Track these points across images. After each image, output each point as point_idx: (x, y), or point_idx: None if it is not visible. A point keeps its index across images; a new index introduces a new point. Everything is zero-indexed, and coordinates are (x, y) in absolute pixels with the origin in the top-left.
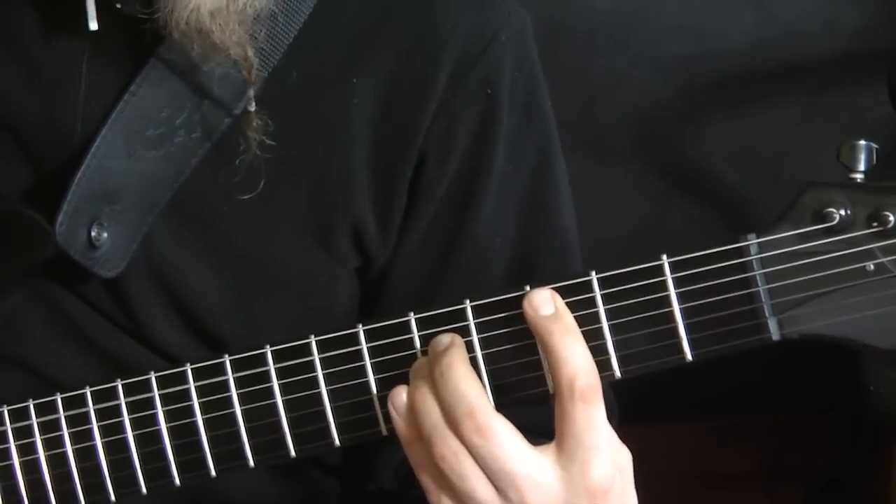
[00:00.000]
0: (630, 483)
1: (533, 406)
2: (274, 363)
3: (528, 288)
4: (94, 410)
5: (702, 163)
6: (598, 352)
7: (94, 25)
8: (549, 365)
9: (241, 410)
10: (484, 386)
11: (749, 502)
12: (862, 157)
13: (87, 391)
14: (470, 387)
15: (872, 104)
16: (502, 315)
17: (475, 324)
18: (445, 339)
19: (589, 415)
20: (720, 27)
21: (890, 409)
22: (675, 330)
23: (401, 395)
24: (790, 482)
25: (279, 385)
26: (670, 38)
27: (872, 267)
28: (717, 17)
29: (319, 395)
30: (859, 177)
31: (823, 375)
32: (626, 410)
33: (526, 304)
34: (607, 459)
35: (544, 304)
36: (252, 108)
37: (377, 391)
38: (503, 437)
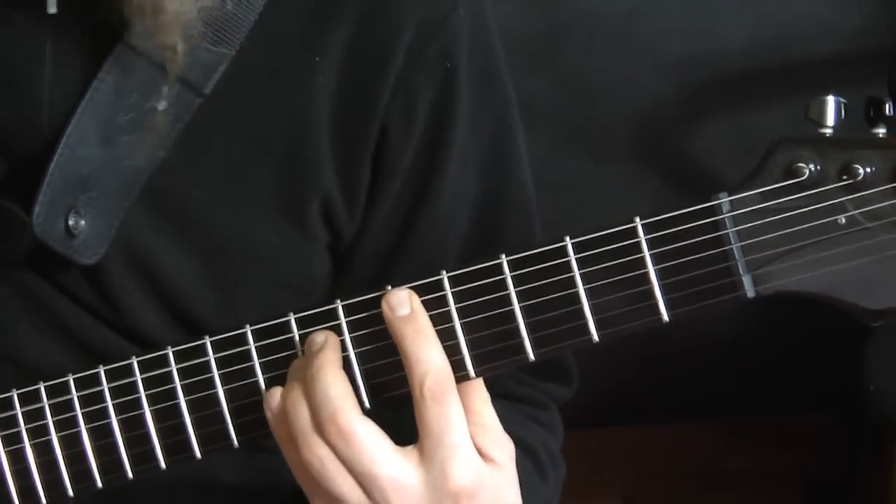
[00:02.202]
0: (505, 476)
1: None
2: (254, 342)
3: (503, 257)
4: (78, 397)
5: (701, 163)
6: (575, 317)
7: (52, 9)
8: (404, 367)
9: (224, 390)
10: (462, 356)
11: (749, 502)
12: (831, 112)
13: (70, 378)
14: (336, 390)
15: None
16: (479, 283)
17: (451, 293)
18: (319, 338)
19: (443, 414)
20: (720, 27)
21: (890, 409)
22: (650, 291)
23: (275, 396)
24: (790, 482)
25: (260, 364)
26: (670, 38)
27: (844, 220)
28: (717, 17)
29: None
30: (828, 132)
31: (823, 375)
32: (626, 410)
33: (384, 303)
34: (468, 458)
35: (401, 305)
36: (162, 107)
37: (358, 365)
38: (365, 441)
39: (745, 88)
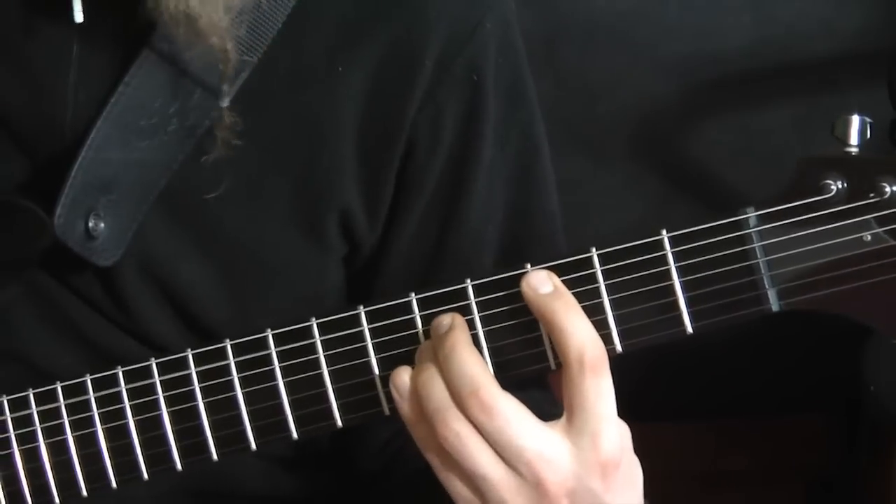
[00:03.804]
0: (632, 454)
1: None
2: (275, 346)
3: (528, 265)
4: (95, 398)
5: (701, 162)
6: (599, 327)
7: (79, 18)
8: (555, 342)
9: (243, 394)
10: (486, 363)
11: (749, 502)
12: (856, 131)
13: (88, 379)
14: (475, 366)
15: (872, 104)
16: (503, 293)
17: (476, 302)
18: (446, 319)
19: (598, 386)
20: (720, 27)
21: (890, 409)
22: (675, 303)
23: (402, 376)
24: (790, 482)
25: (280, 368)
26: (670, 38)
27: (869, 237)
28: (717, 17)
29: (321, 376)
30: (854, 150)
31: (823, 375)
32: (626, 411)
33: (524, 285)
34: (616, 431)
35: (543, 283)
36: (225, 104)
37: (379, 372)
38: (509, 414)
39: (745, 88)
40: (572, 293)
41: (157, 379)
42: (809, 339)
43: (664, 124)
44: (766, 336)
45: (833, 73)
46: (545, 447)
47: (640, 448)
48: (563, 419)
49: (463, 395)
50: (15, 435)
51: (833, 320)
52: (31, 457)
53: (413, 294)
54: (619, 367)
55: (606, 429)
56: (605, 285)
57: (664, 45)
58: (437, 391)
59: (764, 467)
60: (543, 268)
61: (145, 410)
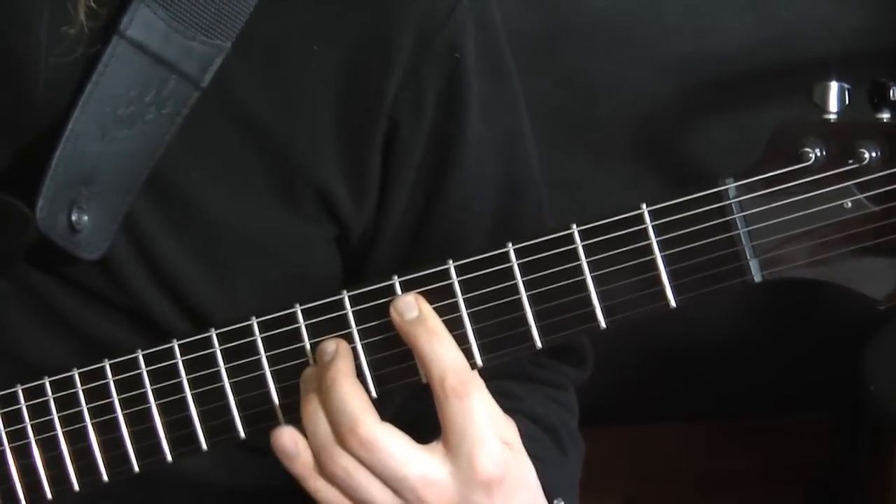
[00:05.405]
0: (522, 455)
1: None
2: (260, 333)
3: (510, 245)
4: (83, 391)
5: (702, 162)
6: (582, 304)
7: None
8: (419, 367)
9: (230, 383)
10: (469, 345)
11: (748, 502)
12: (834, 98)
13: (75, 373)
14: (353, 401)
15: None
16: (486, 272)
17: (458, 282)
18: (330, 347)
19: (465, 408)
20: (720, 27)
21: (890, 409)
22: (657, 277)
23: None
24: (790, 482)
25: (267, 356)
26: (670, 38)
27: (850, 204)
28: (717, 17)
29: (307, 364)
30: (832, 116)
31: (823, 375)
32: (626, 411)
33: (392, 309)
34: (493, 448)
35: (408, 308)
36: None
37: (365, 356)
38: (389, 446)
39: (745, 88)
40: (553, 270)
41: (144, 370)
42: (810, 338)
43: (664, 124)
44: (766, 336)
45: (833, 73)
46: (427, 471)
47: (642, 448)
48: (441, 441)
49: (342, 433)
50: (5, 432)
51: (833, 319)
52: (23, 453)
53: (396, 276)
54: (621, 368)
55: (480, 450)
56: (587, 262)
57: (664, 45)
58: (321, 427)
59: (764, 467)
60: (523, 246)
61: (134, 403)
